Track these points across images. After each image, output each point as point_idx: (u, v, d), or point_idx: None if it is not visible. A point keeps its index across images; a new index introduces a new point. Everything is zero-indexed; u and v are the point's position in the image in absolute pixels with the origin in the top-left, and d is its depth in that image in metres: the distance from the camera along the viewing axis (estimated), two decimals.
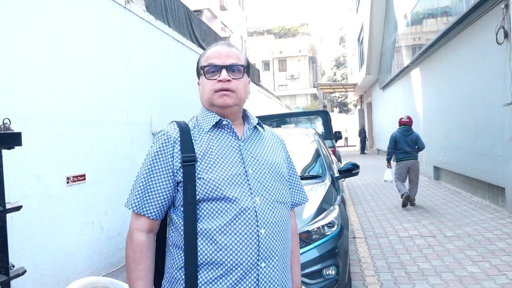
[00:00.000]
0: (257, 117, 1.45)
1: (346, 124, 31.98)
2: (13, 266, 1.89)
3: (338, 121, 32.48)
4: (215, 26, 19.18)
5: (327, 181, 3.70)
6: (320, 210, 3.18)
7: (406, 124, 7.25)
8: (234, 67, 1.29)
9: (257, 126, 1.42)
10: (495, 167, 6.56)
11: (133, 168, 4.64)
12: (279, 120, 9.24)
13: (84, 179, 3.63)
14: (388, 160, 7.35)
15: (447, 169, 9.45)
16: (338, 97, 45.04)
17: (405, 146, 7.04)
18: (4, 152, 2.57)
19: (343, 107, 45.69)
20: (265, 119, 8.81)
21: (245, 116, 1.42)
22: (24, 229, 2.91)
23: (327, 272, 2.90)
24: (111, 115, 4.22)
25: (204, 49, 7.89)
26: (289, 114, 10.36)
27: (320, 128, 8.67)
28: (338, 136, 10.93)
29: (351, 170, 4.09)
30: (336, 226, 3.11)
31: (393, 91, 15.73)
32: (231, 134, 1.32)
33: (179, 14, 6.69)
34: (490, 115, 6.73)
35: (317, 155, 4.17)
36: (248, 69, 1.37)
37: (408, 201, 6.99)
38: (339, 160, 8.56)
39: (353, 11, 25.99)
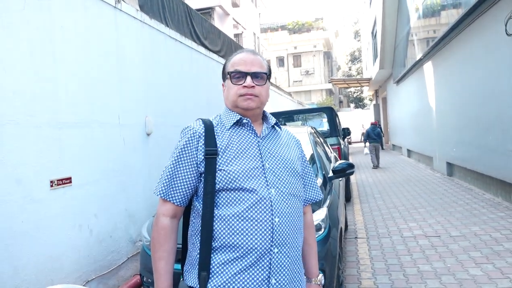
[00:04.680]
0: None
1: (362, 119, 31.49)
2: None
3: (354, 116, 32.04)
4: (227, 23, 19.10)
5: (318, 181, 3.57)
6: None
7: (374, 124, 13.99)
8: (258, 74, 1.42)
9: (275, 126, 1.55)
10: (507, 163, 6.29)
11: (126, 170, 4.57)
12: (285, 117, 9.05)
13: (70, 182, 3.59)
14: (365, 142, 14.28)
15: (460, 165, 9.16)
16: (354, 92, 44.45)
17: (373, 136, 13.46)
18: None
19: (359, 102, 45.09)
20: None
21: (264, 117, 1.54)
22: (2, 235, 2.89)
23: None
24: (101, 117, 4.17)
25: (206, 47, 7.83)
26: (294, 111, 10.16)
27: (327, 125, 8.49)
28: (346, 132, 10.72)
29: (345, 170, 3.96)
30: (323, 229, 2.98)
31: (407, 86, 15.39)
32: (250, 131, 1.44)
33: (178, 12, 6.61)
34: (501, 109, 6.45)
35: (309, 154, 4.04)
36: (269, 76, 1.49)
37: (376, 167, 13.44)
38: (345, 158, 8.36)
39: (366, 4, 25.52)
